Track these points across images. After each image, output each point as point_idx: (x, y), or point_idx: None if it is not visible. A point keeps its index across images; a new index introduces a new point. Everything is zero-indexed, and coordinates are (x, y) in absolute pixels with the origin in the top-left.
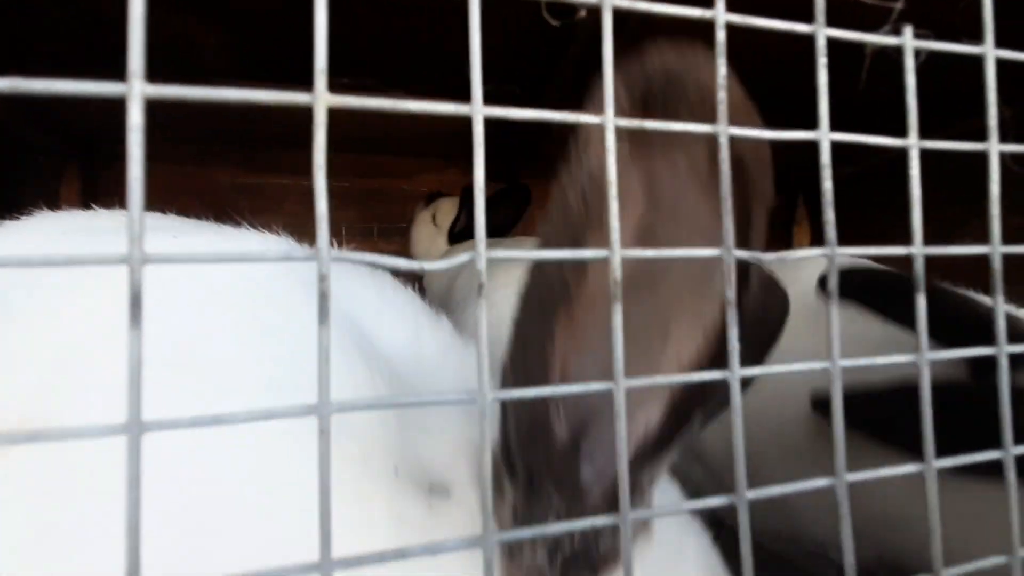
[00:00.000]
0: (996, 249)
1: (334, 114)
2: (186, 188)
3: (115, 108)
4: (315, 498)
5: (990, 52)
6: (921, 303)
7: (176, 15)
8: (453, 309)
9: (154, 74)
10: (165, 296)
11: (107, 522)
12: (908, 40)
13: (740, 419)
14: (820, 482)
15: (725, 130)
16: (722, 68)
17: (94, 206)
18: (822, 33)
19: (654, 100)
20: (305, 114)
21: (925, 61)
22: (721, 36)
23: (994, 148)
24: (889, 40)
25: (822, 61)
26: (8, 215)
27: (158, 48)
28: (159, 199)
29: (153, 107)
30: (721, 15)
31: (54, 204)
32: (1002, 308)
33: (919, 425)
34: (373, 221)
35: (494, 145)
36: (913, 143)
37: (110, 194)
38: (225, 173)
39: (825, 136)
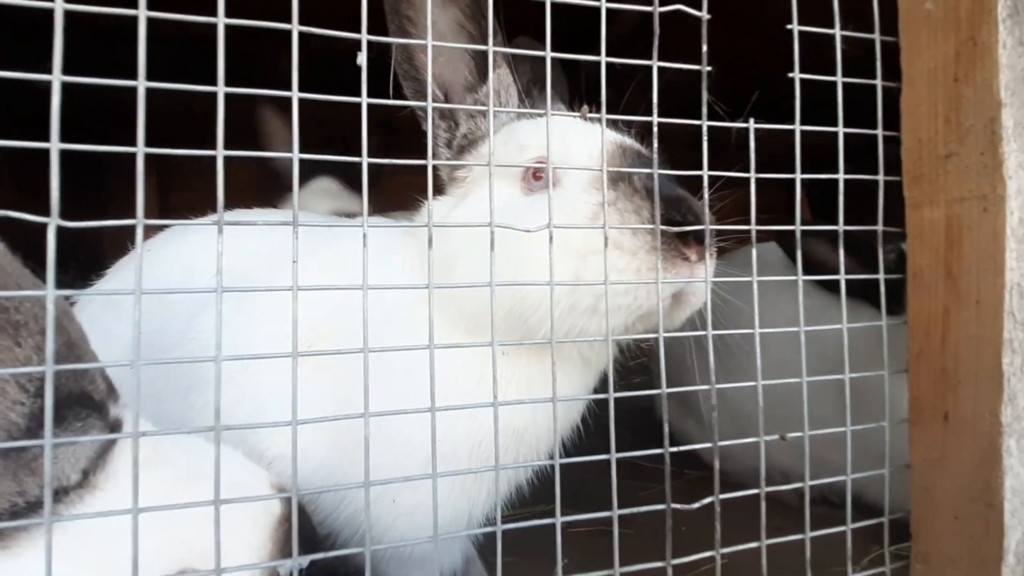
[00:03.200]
0: (706, 220)
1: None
2: (233, 181)
3: (189, 110)
4: None
5: (751, 128)
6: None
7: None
8: None
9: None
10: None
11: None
12: (752, 125)
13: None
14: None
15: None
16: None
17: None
18: (656, 120)
19: None
20: (341, 118)
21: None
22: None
23: (751, 175)
24: (737, 124)
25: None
26: (95, 207)
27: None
28: (210, 190)
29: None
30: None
31: (133, 197)
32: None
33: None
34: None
35: None
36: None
37: (184, 189)
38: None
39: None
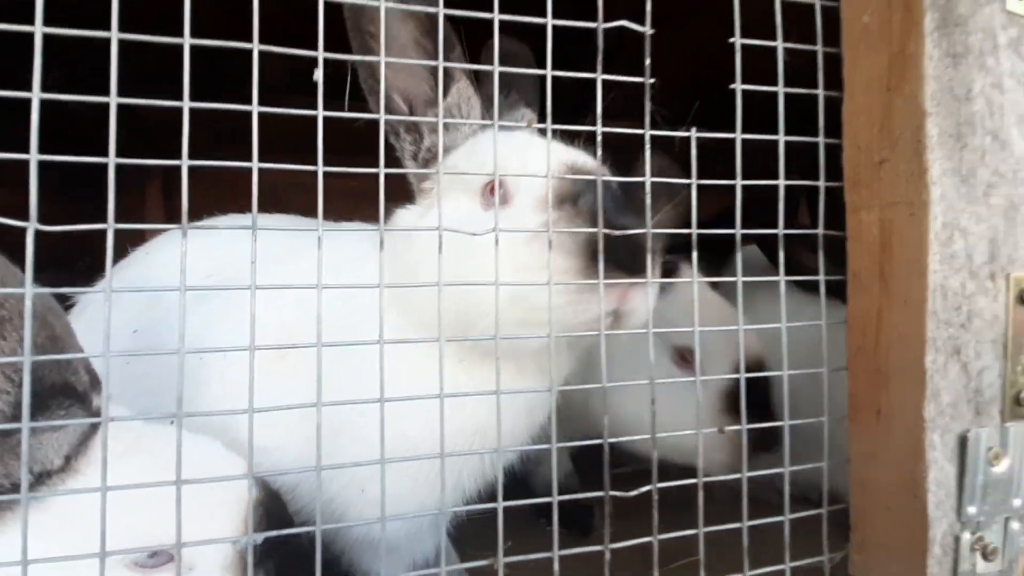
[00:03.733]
0: (648, 241)
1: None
2: (247, 187)
3: (192, 118)
4: None
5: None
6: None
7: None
8: None
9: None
10: None
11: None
12: (693, 134)
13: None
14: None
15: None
16: None
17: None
18: (600, 130)
19: None
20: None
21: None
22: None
23: (693, 181)
24: (679, 134)
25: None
26: (101, 214)
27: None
28: (224, 196)
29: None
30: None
31: (141, 203)
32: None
33: None
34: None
35: None
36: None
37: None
38: (279, 174)
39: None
